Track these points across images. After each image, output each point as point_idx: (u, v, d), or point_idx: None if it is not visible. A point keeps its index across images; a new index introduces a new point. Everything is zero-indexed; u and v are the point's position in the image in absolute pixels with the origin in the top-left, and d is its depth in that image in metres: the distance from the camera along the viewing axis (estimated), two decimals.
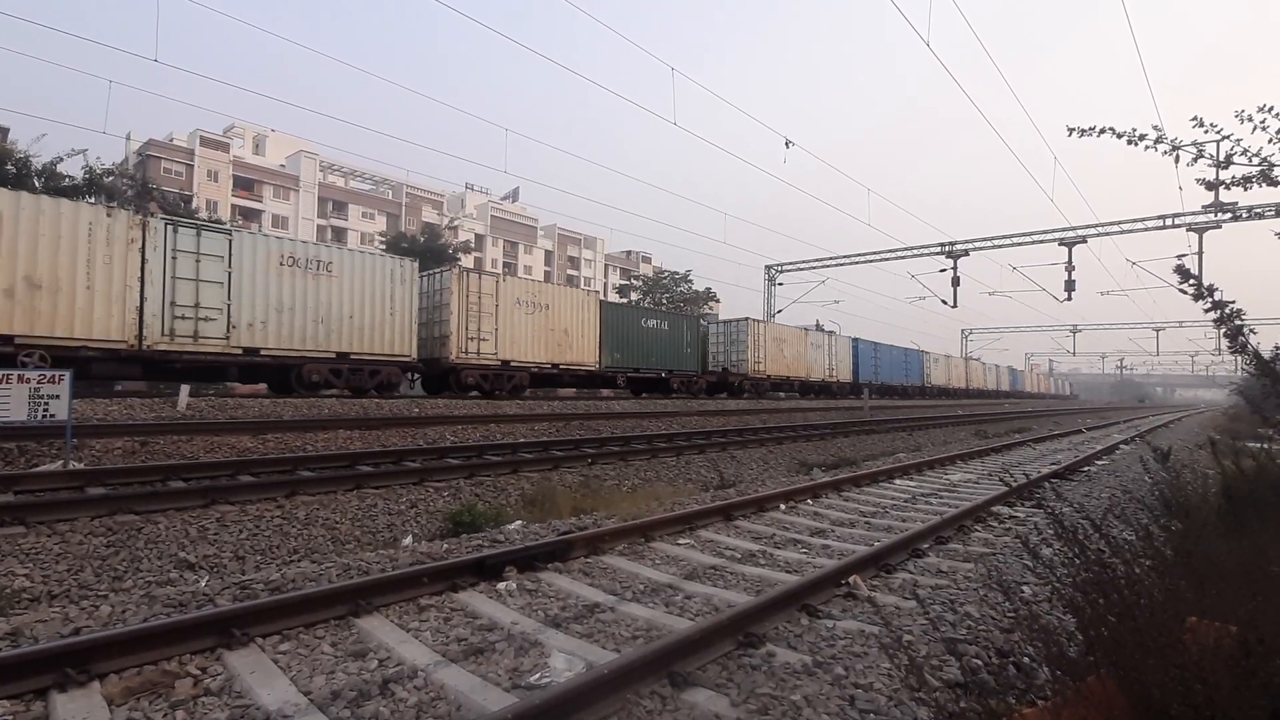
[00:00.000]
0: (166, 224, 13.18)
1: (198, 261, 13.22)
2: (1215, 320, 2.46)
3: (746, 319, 29.03)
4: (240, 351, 13.79)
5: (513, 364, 18.88)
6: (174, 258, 13.03)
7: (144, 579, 5.19)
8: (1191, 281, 2.46)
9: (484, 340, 18.06)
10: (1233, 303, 2.47)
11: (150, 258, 12.74)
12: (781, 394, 32.11)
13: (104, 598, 4.38)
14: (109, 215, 12.50)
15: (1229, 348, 2.49)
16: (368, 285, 15.73)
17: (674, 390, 25.20)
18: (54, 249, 11.64)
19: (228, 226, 17.08)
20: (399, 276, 16.37)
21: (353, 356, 15.35)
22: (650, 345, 24.05)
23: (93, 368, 12.42)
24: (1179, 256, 26.63)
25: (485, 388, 18.30)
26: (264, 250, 14.21)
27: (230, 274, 13.61)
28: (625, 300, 29.21)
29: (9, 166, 19.94)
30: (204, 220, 21.60)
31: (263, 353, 14.04)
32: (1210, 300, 2.45)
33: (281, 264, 14.39)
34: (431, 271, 18.55)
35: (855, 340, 38.63)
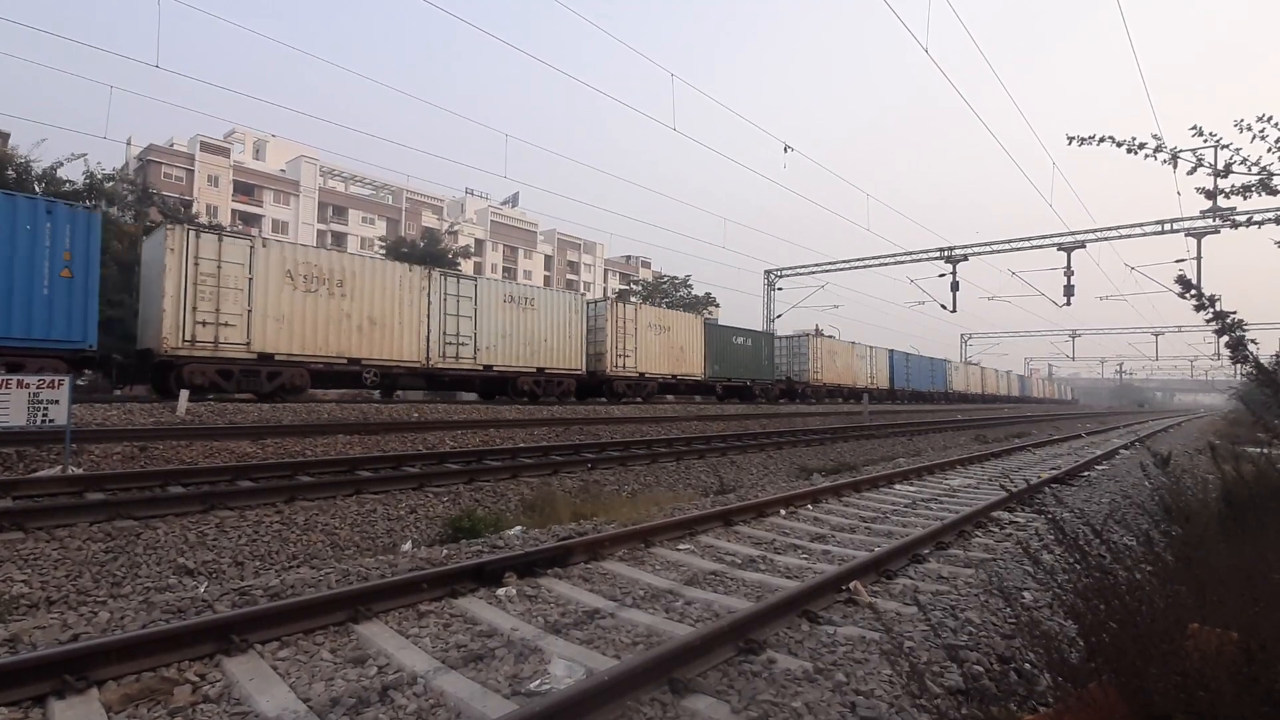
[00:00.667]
0: (443, 274, 17.73)
1: (458, 302, 17.71)
2: (1217, 330, 2.47)
3: (807, 335, 34.92)
4: (481, 368, 18.13)
5: (646, 375, 23.47)
6: (444, 299, 17.39)
7: (143, 585, 5.18)
8: (1193, 292, 2.46)
9: (627, 356, 22.66)
10: (1234, 313, 2.47)
11: (433, 300, 17.07)
12: (839, 399, 35.57)
13: (103, 604, 4.37)
14: (410, 269, 17.01)
15: (1230, 357, 2.49)
16: (555, 315, 20.17)
17: (755, 396, 29.61)
18: (383, 296, 15.95)
19: (474, 276, 20.79)
20: (574, 307, 21.03)
21: (546, 371, 19.67)
22: (738, 358, 28.54)
23: (400, 380, 17.02)
24: (1178, 262, 26.73)
25: (630, 394, 23.00)
26: (495, 291, 18.77)
27: (476, 311, 18.12)
28: (714, 319, 31.80)
29: (9, 171, 19.97)
30: (458, 271, 25.38)
31: (494, 369, 18.41)
32: (1212, 311, 2.46)
33: (504, 301, 18.85)
34: (593, 301, 23.13)
35: (891, 352, 42.91)
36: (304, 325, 14.43)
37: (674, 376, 24.75)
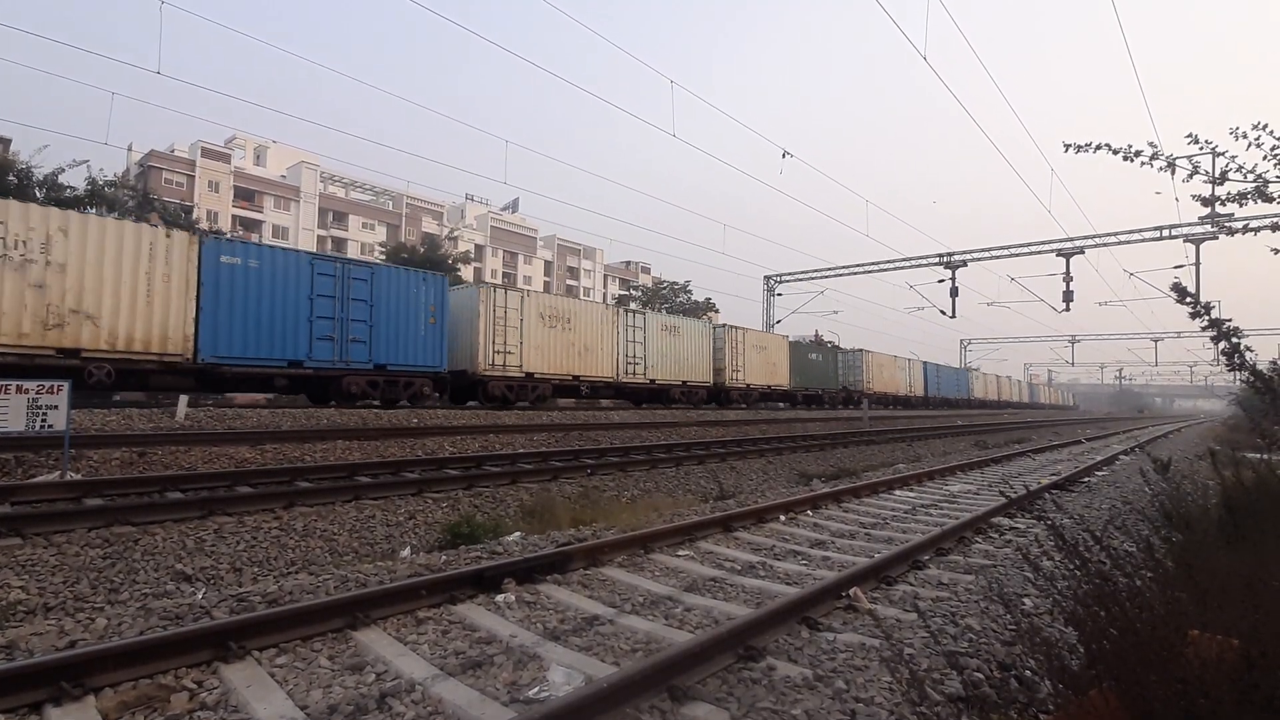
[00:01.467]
0: (627, 311, 22.77)
1: (631, 331, 22.83)
2: (1213, 338, 2.47)
3: (863, 350, 39.27)
4: (648, 381, 23.12)
5: (751, 386, 29.34)
6: (627, 330, 22.92)
7: (140, 591, 5.16)
8: (1189, 299, 2.46)
9: (740, 371, 28.71)
10: (1229, 320, 2.48)
11: (619, 331, 22.81)
12: (883, 406, 40.32)
13: (100, 610, 4.36)
14: (607, 308, 22.58)
15: (1227, 365, 2.50)
16: (693, 340, 25.19)
17: (824, 403, 35.08)
18: (590, 329, 21.32)
19: (642, 310, 25.81)
20: (704, 333, 26.16)
21: (582, 377, 21.38)
22: (812, 371, 34.52)
23: (601, 391, 22.43)
24: (1176, 268, 26.73)
25: (740, 400, 28.90)
26: (656, 322, 23.78)
27: (645, 338, 23.29)
28: (780, 334, 35.53)
29: (11, 177, 20.02)
30: (632, 309, 28.90)
31: (656, 382, 23.06)
32: (1207, 318, 2.46)
33: (661, 330, 23.74)
34: (718, 326, 28.52)
35: (925, 364, 49.36)
36: (550, 352, 19.82)
37: (769, 387, 30.63)
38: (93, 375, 12.36)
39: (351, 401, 15.76)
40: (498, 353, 18.67)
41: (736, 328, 28.96)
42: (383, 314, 16.16)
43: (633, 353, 22.91)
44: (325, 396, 15.77)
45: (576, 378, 20.77)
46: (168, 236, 13.32)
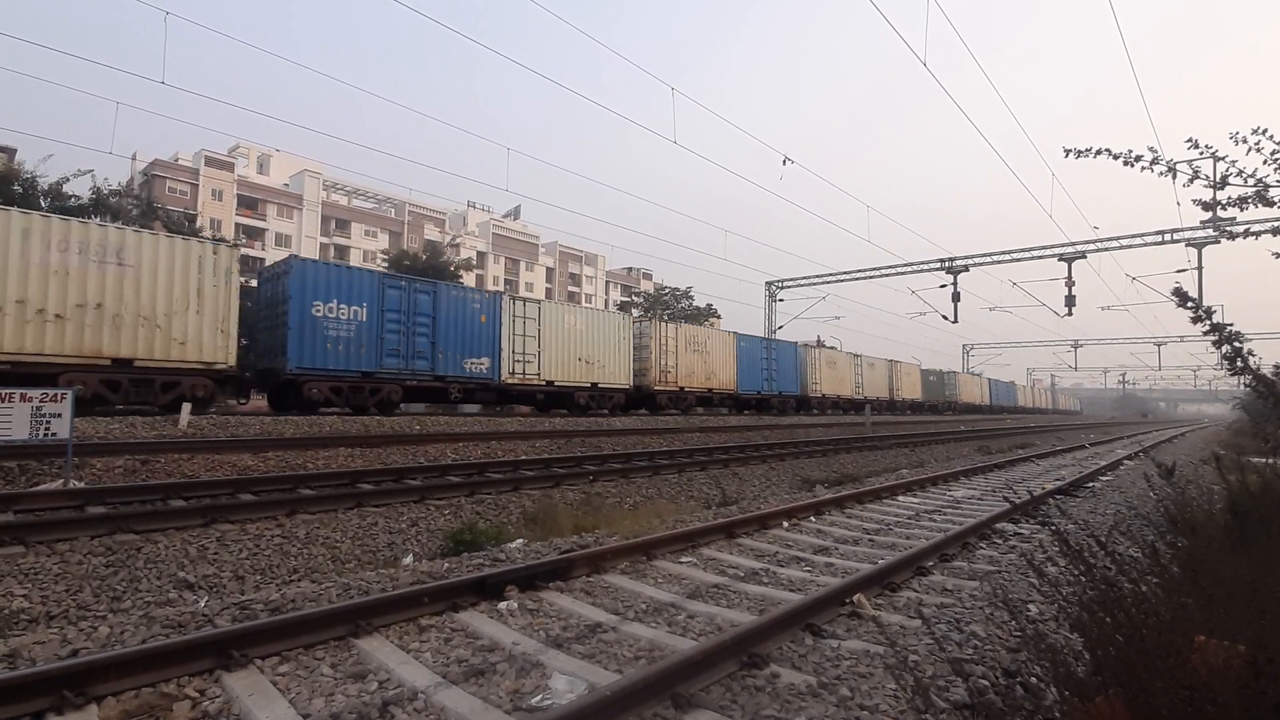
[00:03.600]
0: (637, 321, 24.27)
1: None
2: (1215, 342, 2.46)
3: (890, 361, 43.09)
4: (676, 389, 24.19)
5: (826, 394, 34.22)
6: (664, 340, 24.62)
7: (143, 599, 5.16)
8: (1190, 304, 2.46)
9: (820, 384, 33.67)
10: (1231, 325, 2.47)
11: (632, 339, 23.81)
12: (906, 411, 43.92)
13: (103, 618, 4.35)
14: (623, 317, 23.77)
15: (1229, 369, 2.49)
16: (608, 337, 22.64)
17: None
18: (604, 338, 22.14)
19: (538, 299, 23.19)
20: (620, 326, 23.61)
21: (599, 386, 22.12)
22: (863, 379, 39.29)
23: (614, 397, 22.61)
24: (1178, 272, 26.68)
25: (819, 407, 33.62)
26: (557, 315, 21.19)
27: (678, 350, 24.79)
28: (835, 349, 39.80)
29: (15, 187, 20.13)
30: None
31: (555, 384, 20.59)
32: (1209, 323, 2.45)
33: (561, 323, 21.34)
34: (801, 345, 33.70)
35: (942, 372, 53.06)
36: (566, 362, 20.72)
37: (838, 396, 36.03)
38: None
39: (387, 409, 16.81)
40: (665, 372, 24.26)
41: (822, 347, 32.96)
42: (443, 328, 17.34)
43: (665, 362, 24.58)
44: (392, 405, 16.88)
45: (596, 384, 22.13)
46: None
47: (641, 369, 23.97)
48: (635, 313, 43.10)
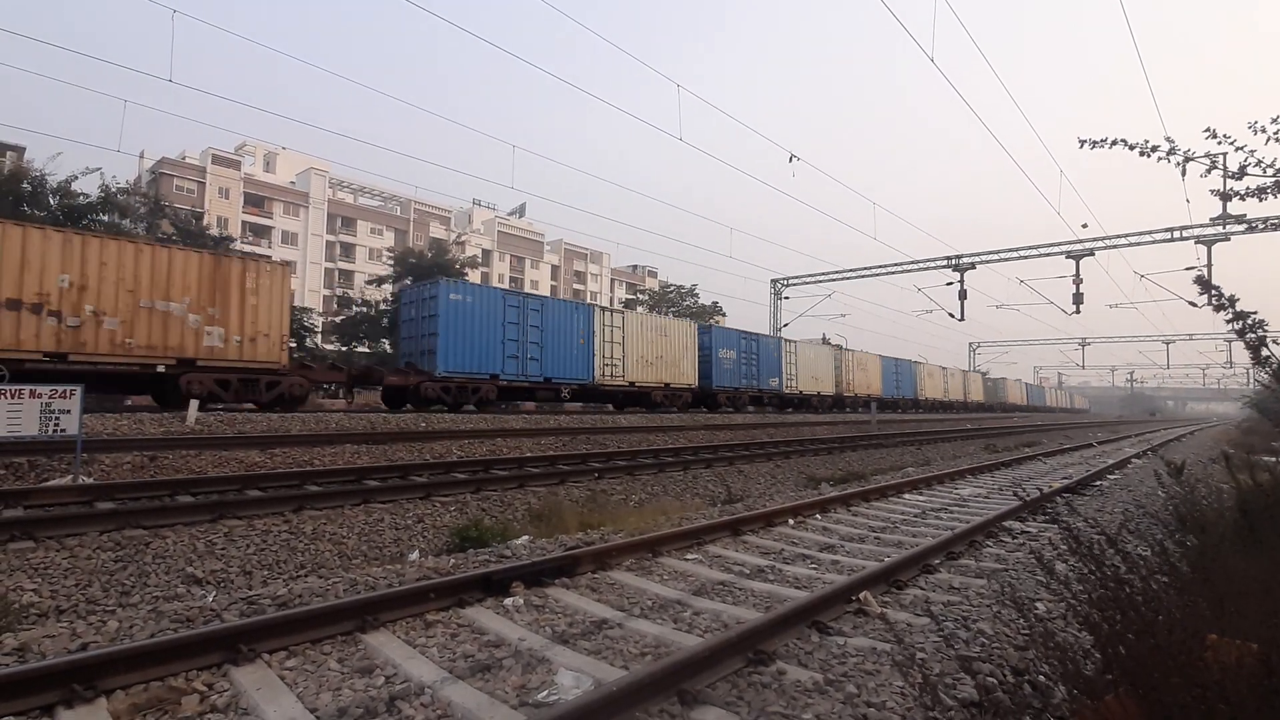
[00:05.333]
0: (699, 327, 26.42)
1: (613, 331, 22.95)
2: (1237, 331, 2.43)
3: (914, 362, 45.91)
4: (628, 384, 23.50)
5: (858, 394, 36.96)
6: (712, 345, 26.87)
7: (151, 594, 5.19)
8: (1212, 292, 2.43)
9: (855, 382, 36.84)
10: (1254, 313, 2.44)
11: (700, 345, 26.61)
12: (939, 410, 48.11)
13: (111, 613, 4.38)
14: (690, 325, 26.57)
15: (1251, 359, 2.46)
16: (677, 342, 25.46)
17: (904, 409, 42.24)
18: (679, 343, 25.31)
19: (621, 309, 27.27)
20: (687, 332, 26.46)
21: (671, 386, 24.84)
22: (897, 380, 42.39)
23: (682, 396, 25.37)
24: (1187, 269, 26.46)
25: (853, 405, 36.16)
26: (639, 323, 24.28)
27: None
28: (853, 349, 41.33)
29: (25, 185, 20.25)
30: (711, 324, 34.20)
31: (634, 384, 23.40)
32: (1232, 311, 2.42)
33: (641, 330, 24.32)
34: (835, 348, 36.82)
35: (963, 371, 58.23)
36: (645, 363, 23.55)
37: (869, 394, 37.71)
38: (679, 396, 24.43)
39: (485, 405, 19.45)
40: (608, 365, 24.34)
41: (853, 351, 35.60)
42: (550, 337, 20.25)
43: (614, 355, 25.27)
44: (499, 402, 20.27)
45: (669, 385, 24.99)
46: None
47: (704, 371, 26.75)
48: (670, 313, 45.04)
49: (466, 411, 17.90)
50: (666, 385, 24.45)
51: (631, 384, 23.03)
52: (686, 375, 25.43)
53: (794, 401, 32.16)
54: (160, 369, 13.43)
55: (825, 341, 40.38)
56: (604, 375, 21.92)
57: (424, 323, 17.95)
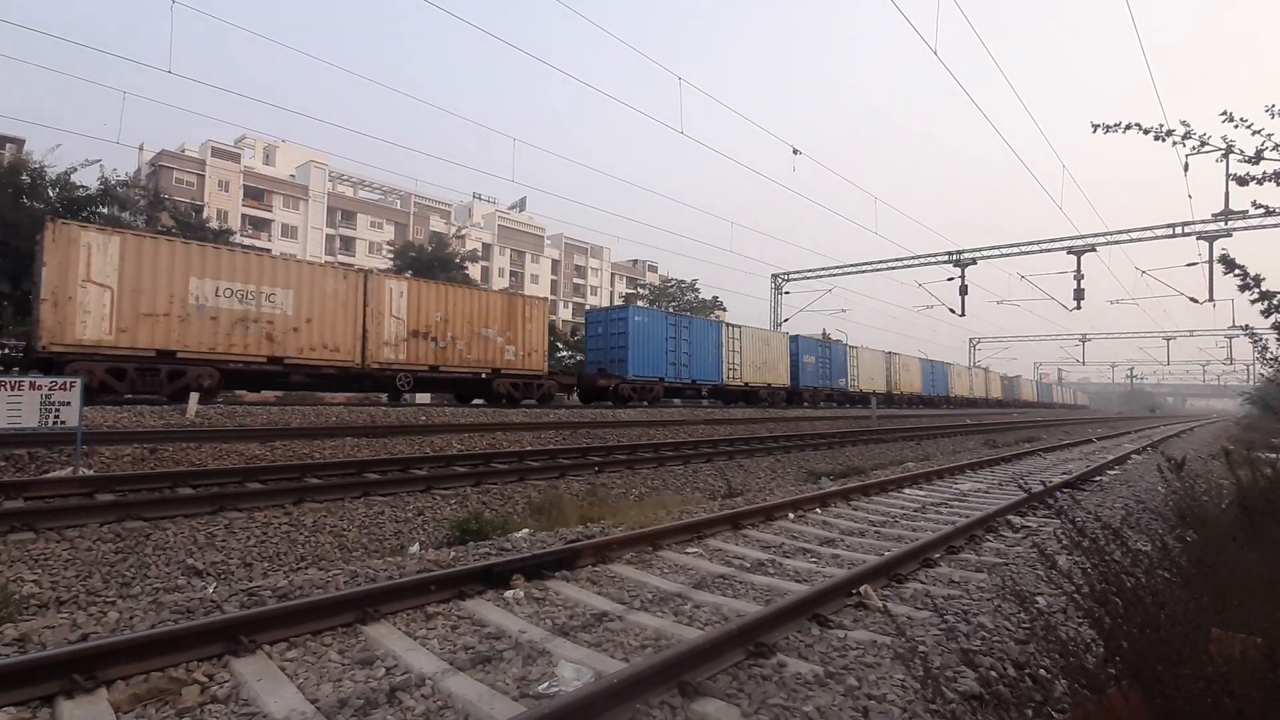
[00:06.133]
0: (731, 327, 28.29)
1: (734, 342, 27.96)
2: (1263, 311, 2.40)
3: (947, 364, 51.69)
4: (744, 385, 28.12)
5: (905, 392, 42.33)
6: (736, 341, 28.60)
7: (152, 585, 5.19)
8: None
9: (903, 383, 41.69)
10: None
11: (724, 342, 27.84)
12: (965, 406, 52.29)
13: (112, 604, 4.38)
14: (717, 323, 28.94)
15: (1278, 340, 2.43)
16: (775, 350, 30.26)
17: (936, 405, 46.92)
18: (771, 351, 29.71)
19: (738, 325, 29.67)
20: (782, 342, 31.35)
21: (772, 385, 29.48)
22: (933, 380, 47.56)
23: (759, 393, 28.99)
24: (1188, 265, 26.33)
25: (885, 402, 37.98)
26: (750, 335, 28.82)
27: (758, 351, 29.56)
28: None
29: (24, 177, 20.18)
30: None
31: (748, 385, 28.24)
32: (1258, 290, 2.39)
33: (752, 342, 28.72)
34: (848, 346, 37.80)
35: (985, 370, 65.57)
36: (755, 368, 28.04)
37: (912, 392, 43.27)
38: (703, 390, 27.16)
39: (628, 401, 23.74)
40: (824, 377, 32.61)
41: (900, 355, 41.54)
42: (694, 348, 25.71)
43: (733, 361, 28.92)
44: (660, 397, 25.14)
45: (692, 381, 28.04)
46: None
47: (794, 373, 31.71)
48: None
49: (640, 407, 22.76)
50: (769, 385, 29.25)
51: (746, 384, 27.97)
52: (782, 377, 30.44)
53: (855, 398, 36.36)
54: (483, 375, 18.92)
55: (825, 337, 40.37)
56: (729, 378, 26.98)
57: (614, 338, 23.44)
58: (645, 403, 23.66)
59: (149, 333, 13.02)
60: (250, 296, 14.32)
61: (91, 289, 12.32)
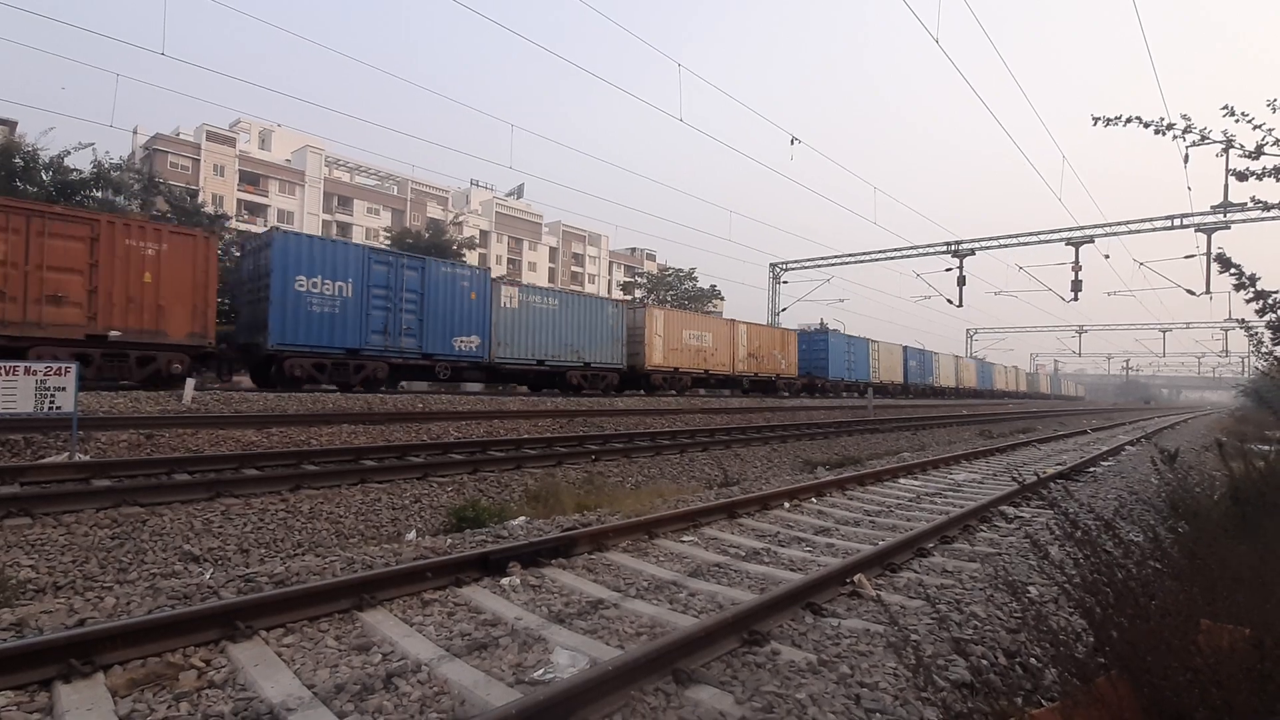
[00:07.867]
0: (738, 323, 29.52)
1: (748, 336, 29.86)
2: (1258, 310, 2.41)
3: (955, 356, 52.81)
4: (753, 374, 29.96)
5: (944, 387, 47.26)
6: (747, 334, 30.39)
7: (149, 571, 5.21)
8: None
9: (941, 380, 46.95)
10: (1276, 293, 2.42)
11: (734, 335, 29.45)
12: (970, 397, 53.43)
13: (109, 589, 4.39)
14: (725, 320, 30.00)
15: (1272, 338, 2.45)
16: (775, 344, 31.90)
17: (945, 395, 48.17)
18: (716, 335, 28.12)
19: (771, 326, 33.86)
20: (786, 339, 33.15)
21: (781, 376, 31.88)
22: (941, 371, 48.67)
23: (716, 379, 29.25)
24: (1186, 258, 26.35)
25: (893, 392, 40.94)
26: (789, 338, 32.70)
27: (758, 342, 30.90)
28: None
29: (16, 160, 19.97)
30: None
31: (759, 375, 30.44)
32: (1253, 290, 2.40)
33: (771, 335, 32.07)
34: (855, 338, 38.97)
35: (991, 365, 64.04)
36: (685, 352, 26.61)
37: (906, 383, 43.34)
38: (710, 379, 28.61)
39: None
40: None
41: (956, 356, 51.00)
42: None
43: (744, 353, 30.61)
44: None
45: (706, 370, 28.74)
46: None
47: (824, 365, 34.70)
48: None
49: (670, 395, 24.58)
50: (778, 376, 31.49)
51: (755, 375, 30.26)
52: (794, 369, 33.34)
53: (877, 389, 37.51)
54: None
55: (823, 325, 40.40)
56: (748, 369, 29.81)
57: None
58: (674, 392, 26.31)
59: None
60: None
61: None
